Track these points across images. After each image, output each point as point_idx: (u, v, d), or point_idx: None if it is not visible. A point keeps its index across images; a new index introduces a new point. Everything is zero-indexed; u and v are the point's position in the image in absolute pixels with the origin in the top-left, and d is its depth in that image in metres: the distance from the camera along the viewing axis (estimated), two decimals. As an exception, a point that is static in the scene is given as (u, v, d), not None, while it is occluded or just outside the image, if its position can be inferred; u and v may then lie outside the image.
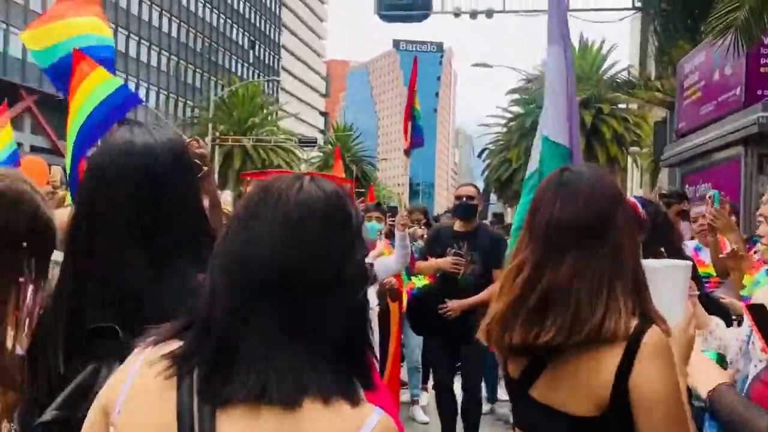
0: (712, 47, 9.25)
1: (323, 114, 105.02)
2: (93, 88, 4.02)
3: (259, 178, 5.81)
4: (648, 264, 1.64)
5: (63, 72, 4.27)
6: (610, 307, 1.50)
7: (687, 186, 10.82)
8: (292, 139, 44.06)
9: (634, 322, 1.50)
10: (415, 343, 6.40)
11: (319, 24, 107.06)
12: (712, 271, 4.22)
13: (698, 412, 1.89)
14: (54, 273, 1.61)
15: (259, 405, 1.00)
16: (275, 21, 79.46)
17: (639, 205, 2.66)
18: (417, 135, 5.91)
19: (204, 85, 56.75)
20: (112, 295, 1.41)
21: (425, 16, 21.69)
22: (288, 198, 1.08)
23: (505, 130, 36.19)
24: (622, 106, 29.39)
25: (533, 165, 3.77)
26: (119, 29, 44.62)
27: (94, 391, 1.18)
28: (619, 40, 39.90)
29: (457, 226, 5.25)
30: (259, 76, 67.57)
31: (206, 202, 2.15)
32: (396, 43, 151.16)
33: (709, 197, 3.85)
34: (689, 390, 1.71)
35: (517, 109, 35.12)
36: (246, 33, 69.18)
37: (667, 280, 1.69)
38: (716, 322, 2.29)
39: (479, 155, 39.62)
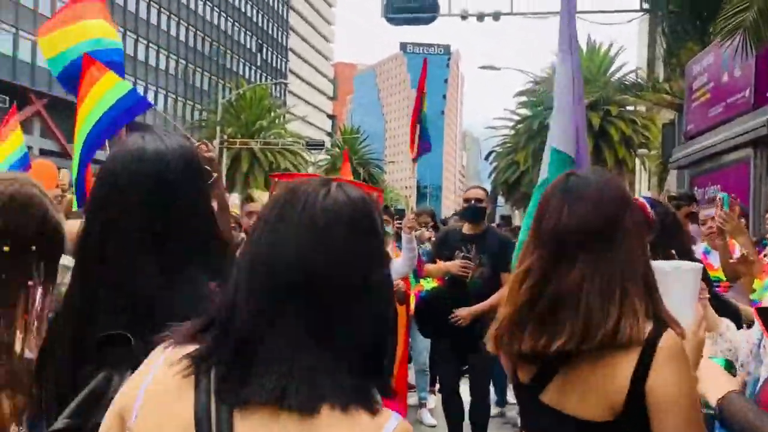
0: (721, 49, 9.21)
1: (331, 117, 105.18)
2: (103, 93, 4.04)
3: (287, 179, 5.82)
4: (658, 266, 1.63)
5: (74, 76, 4.29)
6: (624, 311, 1.49)
7: (696, 188, 10.79)
8: (299, 142, 44.12)
9: (648, 326, 1.49)
10: (423, 345, 6.39)
11: (327, 27, 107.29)
12: (721, 274, 4.19)
13: (708, 420, 1.87)
14: (63, 277, 1.62)
15: (278, 408, 0.99)
16: (283, 24, 79.67)
17: (648, 205, 2.64)
18: (425, 140, 5.89)
19: (212, 88, 56.97)
20: (123, 302, 1.42)
21: (432, 19, 21.72)
22: (315, 203, 1.08)
23: (512, 132, 36.13)
24: (630, 108, 29.29)
25: (543, 174, 3.79)
26: (128, 33, 44.84)
27: (107, 398, 1.18)
28: (627, 42, 39.72)
29: (466, 228, 5.24)
30: (266, 79, 67.72)
31: (215, 205, 2.15)
32: (403, 46, 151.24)
33: (719, 200, 3.83)
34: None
35: (524, 111, 35.06)
36: (254, 36, 69.39)
37: (677, 283, 1.69)
38: (726, 324, 2.27)
39: (486, 158, 39.56)
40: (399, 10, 21.71)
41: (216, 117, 42.16)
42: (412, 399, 6.78)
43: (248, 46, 68.03)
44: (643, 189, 27.69)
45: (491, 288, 4.89)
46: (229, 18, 63.33)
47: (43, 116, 38.42)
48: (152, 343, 1.15)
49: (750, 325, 2.30)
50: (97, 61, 4.17)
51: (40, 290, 1.57)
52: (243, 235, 4.62)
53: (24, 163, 5.63)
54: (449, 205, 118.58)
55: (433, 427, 6.38)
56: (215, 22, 60.55)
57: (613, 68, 31.96)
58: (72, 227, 1.83)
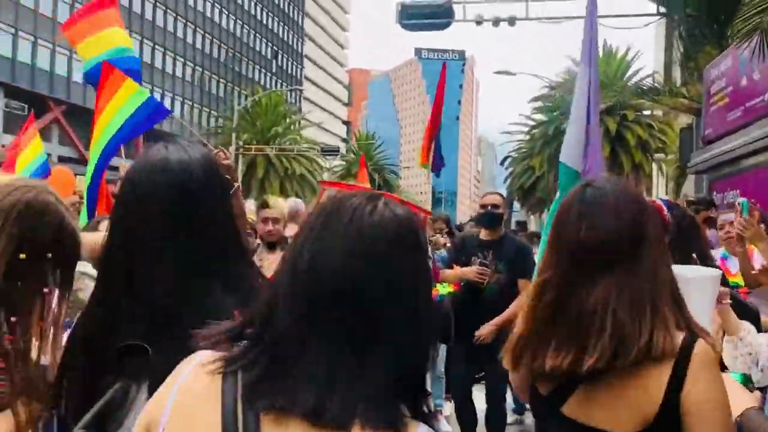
0: (739, 51, 9.14)
1: (345, 123, 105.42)
2: (125, 101, 4.08)
3: (336, 187, 5.85)
4: (680, 273, 1.61)
5: (93, 83, 4.35)
6: (657, 325, 1.47)
7: (715, 193, 10.69)
8: (314, 148, 44.27)
9: (680, 337, 1.48)
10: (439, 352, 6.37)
11: (342, 33, 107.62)
12: (739, 280, 4.14)
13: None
14: (78, 283, 1.62)
15: (311, 421, 0.98)
16: (298, 31, 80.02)
17: (664, 208, 2.62)
18: (439, 153, 5.90)
19: (228, 94, 57.29)
20: (142, 311, 1.42)
21: (447, 24, 21.68)
22: (362, 216, 1.07)
23: (528, 137, 35.98)
24: (646, 112, 29.09)
25: (559, 192, 3.90)
26: (144, 40, 45.26)
27: (123, 409, 1.18)
28: (643, 46, 39.48)
29: (483, 234, 5.22)
30: (282, 85, 68.05)
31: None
32: (418, 52, 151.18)
33: (738, 205, 3.77)
34: None
35: (540, 116, 34.90)
36: (269, 43, 69.75)
37: (696, 290, 1.67)
38: (747, 328, 2.24)
39: (502, 163, 39.45)
40: (414, 15, 21.68)
41: (232, 123, 42.44)
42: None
43: (263, 53, 68.38)
44: (660, 194, 27.48)
45: (507, 294, 4.87)
46: (244, 25, 63.73)
47: (62, 123, 38.83)
48: (171, 353, 1.14)
49: (769, 332, 2.26)
50: (116, 69, 4.21)
51: (56, 297, 1.57)
52: (258, 241, 4.62)
53: (44, 171, 5.70)
54: (464, 211, 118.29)
55: (449, 434, 6.35)
56: (231, 29, 60.94)
57: (629, 72, 31.74)
58: (92, 240, 1.84)
